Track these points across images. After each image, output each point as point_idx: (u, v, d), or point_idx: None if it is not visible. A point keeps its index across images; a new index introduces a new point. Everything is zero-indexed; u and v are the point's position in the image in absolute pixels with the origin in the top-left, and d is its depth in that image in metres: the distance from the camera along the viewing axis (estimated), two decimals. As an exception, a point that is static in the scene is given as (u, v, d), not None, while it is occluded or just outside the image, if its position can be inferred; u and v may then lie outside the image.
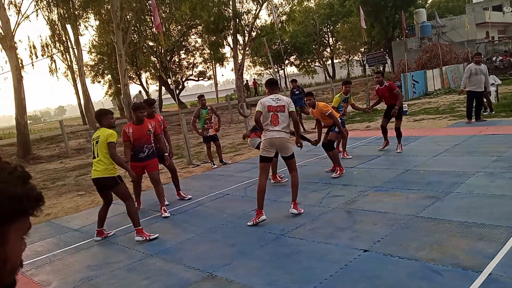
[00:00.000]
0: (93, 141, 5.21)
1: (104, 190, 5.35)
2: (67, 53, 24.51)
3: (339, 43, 49.11)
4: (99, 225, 5.47)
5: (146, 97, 32.81)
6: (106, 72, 35.58)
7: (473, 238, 3.90)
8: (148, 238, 5.11)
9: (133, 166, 6.20)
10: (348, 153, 8.56)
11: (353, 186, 6.29)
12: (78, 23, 20.79)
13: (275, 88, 5.46)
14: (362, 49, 44.23)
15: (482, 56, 25.66)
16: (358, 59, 51.60)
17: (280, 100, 5.24)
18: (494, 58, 25.09)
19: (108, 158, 5.04)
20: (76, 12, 19.74)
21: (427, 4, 47.58)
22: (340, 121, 7.27)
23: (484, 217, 4.36)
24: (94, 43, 32.57)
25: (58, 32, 21.85)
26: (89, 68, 35.79)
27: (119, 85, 25.82)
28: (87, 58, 35.64)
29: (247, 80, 44.86)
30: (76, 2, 19.52)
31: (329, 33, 51.28)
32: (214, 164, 9.63)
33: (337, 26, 47.42)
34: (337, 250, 4.10)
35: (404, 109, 13.68)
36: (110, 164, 5.07)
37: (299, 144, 5.63)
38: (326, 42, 51.89)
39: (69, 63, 25.92)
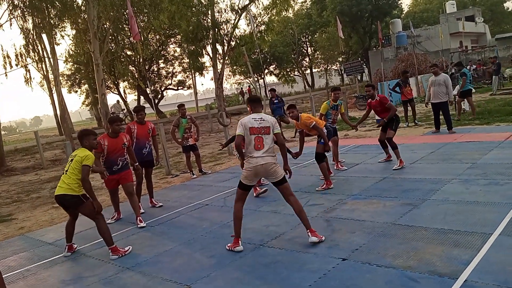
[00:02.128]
0: (70, 158, 5.05)
1: (68, 208, 5.16)
2: (42, 63, 24.06)
3: (318, 52, 49.69)
4: (68, 240, 5.35)
5: (124, 107, 32.53)
6: (83, 81, 35.10)
7: (449, 245, 3.95)
8: (123, 254, 4.99)
9: (107, 179, 6.16)
10: (342, 164, 8.22)
11: (332, 195, 6.32)
12: (54, 32, 20.44)
13: (257, 106, 4.74)
14: (340, 59, 44.86)
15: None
16: (336, 68, 52.29)
17: (264, 120, 4.57)
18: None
19: (76, 177, 4.81)
20: (51, 21, 19.40)
21: (403, 15, 48.78)
22: (326, 130, 7.03)
23: (460, 223, 4.43)
24: (71, 52, 32.11)
25: (33, 41, 21.45)
26: (66, 78, 35.24)
27: (96, 95, 25.49)
28: (63, 68, 35.11)
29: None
30: (52, 11, 19.20)
31: (307, 43, 51.88)
32: (193, 174, 9.55)
33: (315, 36, 48.03)
34: (316, 259, 4.09)
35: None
36: (75, 183, 4.83)
37: (287, 171, 4.72)
38: (305, 51, 52.47)
39: (45, 73, 25.47)
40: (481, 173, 6.28)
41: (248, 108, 4.82)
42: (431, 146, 8.91)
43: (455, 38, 36.72)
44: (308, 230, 4.54)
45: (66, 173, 4.90)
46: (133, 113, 7.31)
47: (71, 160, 4.95)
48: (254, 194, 6.90)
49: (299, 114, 6.83)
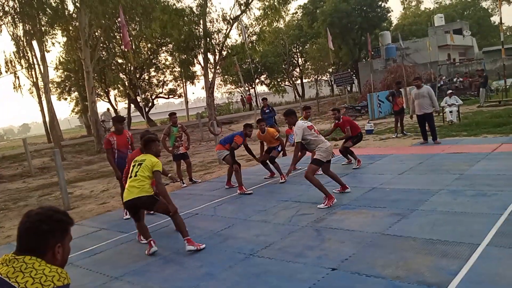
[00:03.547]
0: (136, 163, 5.09)
1: (139, 212, 5.18)
2: (32, 70, 23.93)
3: (308, 63, 50.10)
4: (146, 237, 5.23)
5: (114, 115, 32.38)
6: (73, 89, 34.88)
7: (437, 255, 3.99)
8: (198, 247, 4.99)
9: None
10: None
11: (322, 205, 6.33)
12: (44, 39, 20.38)
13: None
14: (330, 70, 45.26)
15: (442, 77, 26.78)
16: (326, 79, 52.71)
17: (306, 121, 6.79)
18: (455, 79, 26.19)
19: (148, 180, 4.96)
20: (42, 28, 19.35)
21: (392, 27, 49.44)
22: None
23: (448, 234, 4.48)
24: (61, 59, 31.98)
25: (23, 48, 21.35)
26: (55, 85, 34.99)
27: (86, 103, 25.34)
28: (54, 75, 34.90)
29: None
30: (43, 18, 19.15)
31: (298, 54, 52.33)
32: (183, 183, 9.52)
33: (306, 46, 48.47)
34: (305, 269, 4.10)
35: (370, 128, 14.12)
36: (147, 184, 4.97)
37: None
38: (296, 62, 52.88)
39: (35, 80, 25.28)
40: (469, 184, 6.36)
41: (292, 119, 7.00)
42: (419, 157, 9.01)
43: (443, 50, 37.30)
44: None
45: (135, 177, 4.95)
46: (114, 122, 7.40)
47: (138, 164, 5.02)
48: (239, 191, 7.84)
49: (266, 128, 8.76)
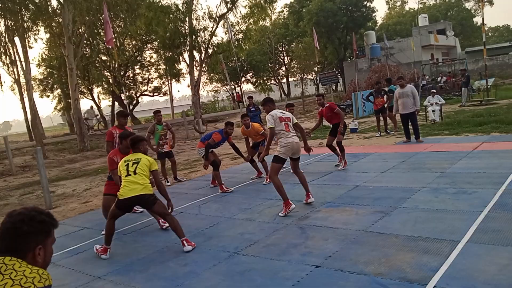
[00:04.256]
0: (129, 162, 5.01)
1: (131, 208, 5.16)
2: (14, 66, 23.48)
3: (294, 62, 50.23)
4: (108, 242, 5.10)
5: (98, 113, 32.05)
6: (55, 86, 34.32)
7: (418, 252, 4.05)
8: (194, 246, 5.01)
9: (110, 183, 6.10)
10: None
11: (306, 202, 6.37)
12: (27, 36, 20.02)
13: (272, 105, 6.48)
14: (316, 68, 45.47)
15: (425, 76, 27.11)
16: (312, 78, 52.93)
17: (284, 113, 6.27)
18: (439, 79, 26.55)
19: (148, 178, 4.96)
20: (25, 24, 19.01)
21: (377, 27, 49.92)
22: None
23: (429, 231, 4.55)
24: (44, 56, 31.47)
25: (4, 44, 20.94)
26: (38, 82, 34.38)
27: (69, 100, 25.01)
28: (36, 72, 34.30)
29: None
30: (26, 14, 18.82)
31: (284, 52, 52.43)
32: (168, 182, 9.46)
33: (291, 45, 48.59)
34: (289, 266, 4.12)
35: (354, 127, 14.25)
36: (148, 183, 4.96)
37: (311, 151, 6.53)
38: (281, 60, 52.99)
39: (16, 77, 24.80)
40: (450, 182, 6.46)
41: (268, 107, 6.40)
42: (402, 156, 9.11)
43: (427, 50, 37.81)
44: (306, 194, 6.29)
45: (134, 175, 4.89)
46: (119, 116, 7.30)
47: (135, 163, 4.98)
48: (220, 191, 7.85)
49: (251, 123, 8.46)
